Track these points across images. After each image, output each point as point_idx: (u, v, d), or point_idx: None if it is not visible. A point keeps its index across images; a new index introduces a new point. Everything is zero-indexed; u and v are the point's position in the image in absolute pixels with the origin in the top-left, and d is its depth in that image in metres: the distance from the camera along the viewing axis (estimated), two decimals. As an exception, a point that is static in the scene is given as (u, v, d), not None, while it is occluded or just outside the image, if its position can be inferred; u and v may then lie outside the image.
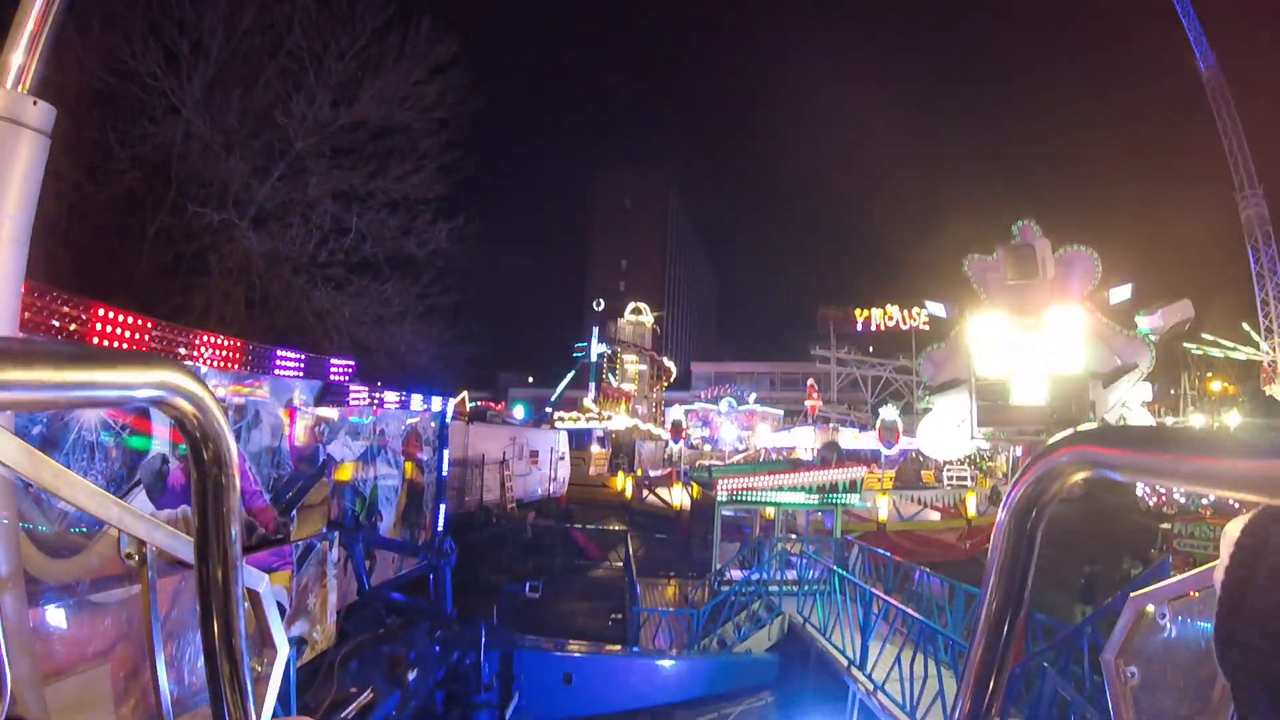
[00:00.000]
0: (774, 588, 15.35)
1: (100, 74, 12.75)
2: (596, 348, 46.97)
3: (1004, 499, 0.74)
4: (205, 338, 6.43)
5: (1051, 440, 0.67)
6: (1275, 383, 42.26)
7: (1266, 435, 0.46)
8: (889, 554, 15.48)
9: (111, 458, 5.27)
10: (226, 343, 6.73)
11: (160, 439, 5.69)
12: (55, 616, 3.87)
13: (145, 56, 13.11)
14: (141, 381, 0.61)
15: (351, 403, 9.37)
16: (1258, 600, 0.50)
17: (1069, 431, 0.66)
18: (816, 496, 18.09)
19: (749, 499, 18.17)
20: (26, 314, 4.29)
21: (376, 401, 10.16)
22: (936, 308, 18.30)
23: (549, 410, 41.30)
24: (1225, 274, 47.43)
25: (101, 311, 5.05)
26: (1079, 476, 0.66)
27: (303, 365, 8.06)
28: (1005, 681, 0.77)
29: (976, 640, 0.76)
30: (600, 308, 47.82)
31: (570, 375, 47.04)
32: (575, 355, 47.84)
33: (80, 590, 4.07)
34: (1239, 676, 0.51)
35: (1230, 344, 45.36)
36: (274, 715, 1.46)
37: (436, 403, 12.53)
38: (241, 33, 14.32)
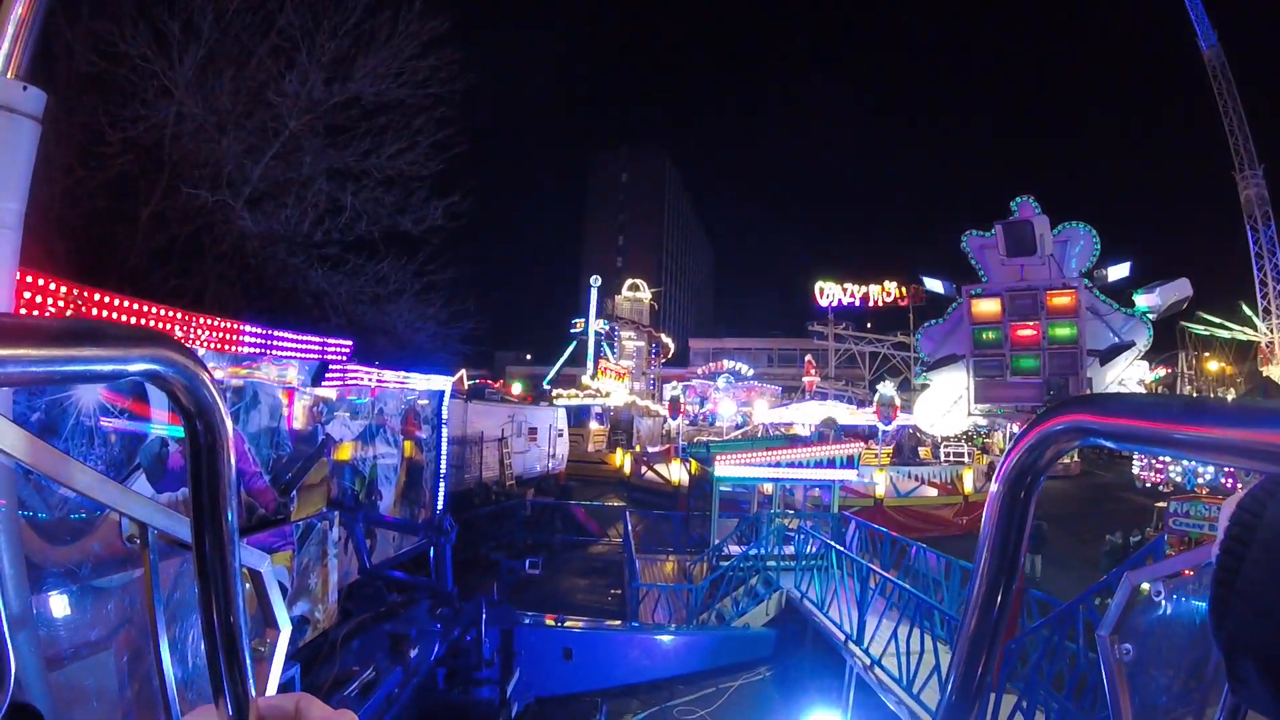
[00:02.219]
0: (771, 563, 15.46)
1: (90, 58, 12.59)
2: (594, 324, 46.93)
3: (997, 469, 0.73)
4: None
5: (1045, 409, 0.67)
6: (1273, 363, 42.35)
7: (1264, 404, 0.47)
8: (886, 530, 15.59)
9: (110, 442, 5.27)
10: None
11: (159, 422, 5.69)
12: (58, 602, 3.89)
13: (135, 38, 12.92)
14: (134, 355, 0.61)
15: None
16: (1252, 573, 0.50)
17: (1063, 399, 0.66)
18: (814, 472, 18.17)
19: (746, 475, 18.26)
20: None
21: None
22: (934, 284, 18.20)
23: (546, 387, 41.34)
24: (1224, 254, 47.48)
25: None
26: (1073, 445, 0.66)
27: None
28: (999, 653, 0.78)
29: (970, 611, 0.77)
30: (597, 285, 47.55)
31: (568, 352, 47.06)
32: (572, 332, 47.78)
33: (82, 575, 4.09)
34: (1232, 650, 0.51)
35: (1229, 324, 45.40)
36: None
37: (435, 381, 12.54)
38: (232, 12, 14.12)
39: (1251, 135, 42.80)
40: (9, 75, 1.15)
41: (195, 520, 0.83)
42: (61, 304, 4.77)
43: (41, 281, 4.65)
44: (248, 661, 0.88)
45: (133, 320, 5.35)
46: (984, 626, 0.76)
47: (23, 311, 4.32)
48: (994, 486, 0.74)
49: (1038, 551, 18.51)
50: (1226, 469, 23.43)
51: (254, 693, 0.88)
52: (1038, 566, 18.42)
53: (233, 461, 0.81)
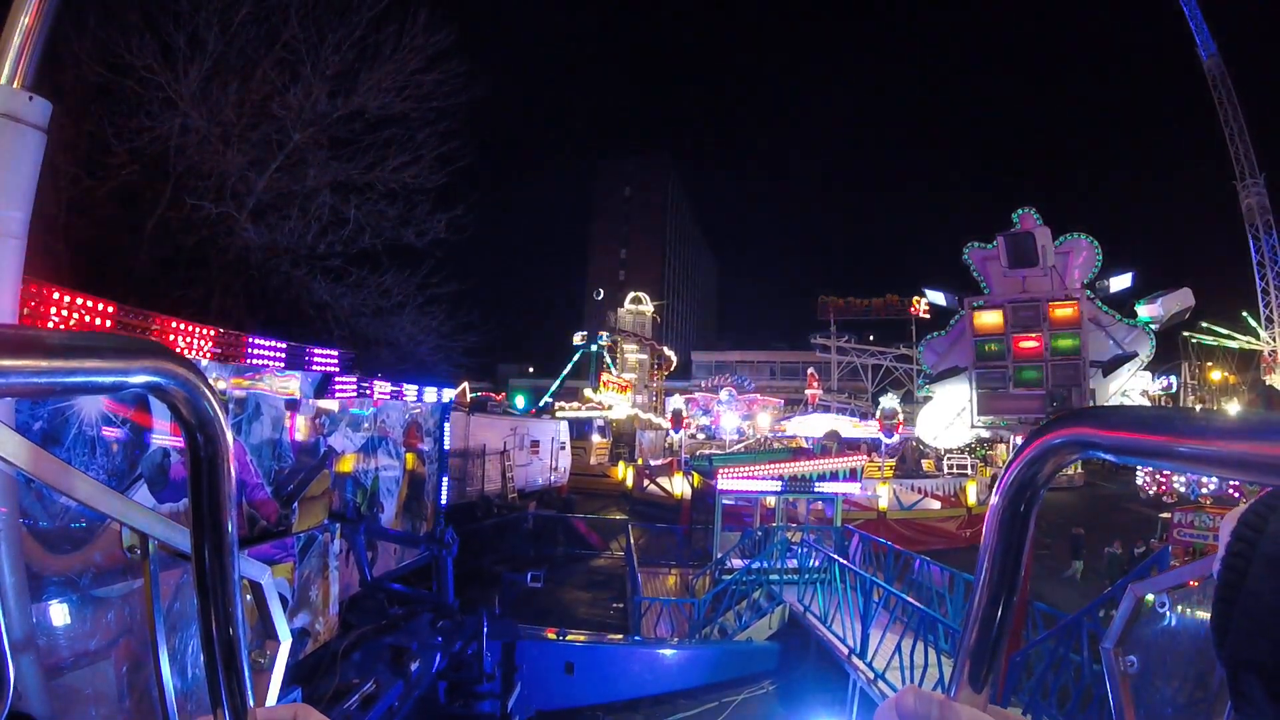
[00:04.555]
0: (774, 576, 15.39)
1: (96, 68, 12.68)
2: (596, 337, 46.98)
3: (997, 481, 0.73)
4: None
5: (1045, 422, 0.67)
6: (1276, 372, 42.25)
7: (1263, 417, 0.46)
8: (889, 542, 15.52)
9: (113, 452, 5.27)
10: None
11: (161, 432, 5.69)
12: (58, 611, 3.88)
13: (141, 50, 13.02)
14: (135, 367, 0.61)
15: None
16: (1254, 589, 0.50)
17: (1063, 412, 0.66)
18: (817, 485, 18.11)
19: (749, 487, 18.22)
20: None
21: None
22: (936, 296, 18.16)
23: (549, 401, 41.34)
24: (1226, 263, 47.48)
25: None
26: (1073, 458, 0.66)
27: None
28: (1000, 666, 0.77)
29: (971, 624, 0.76)
30: (600, 297, 47.67)
31: (570, 365, 47.06)
32: (575, 345, 47.80)
33: (83, 585, 4.08)
34: (1235, 665, 0.50)
35: (1234, 334, 45.32)
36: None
37: (437, 393, 12.53)
38: (237, 25, 14.23)
39: (1252, 144, 42.89)
40: (15, 85, 1.15)
41: (195, 532, 0.83)
42: (66, 313, 4.78)
43: (46, 291, 4.66)
44: (246, 673, 0.88)
45: (136, 330, 5.36)
46: (985, 640, 0.75)
47: (27, 318, 4.33)
48: (994, 499, 0.73)
49: (1077, 557, 20.14)
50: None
51: (252, 704, 0.88)
52: (1079, 570, 19.94)
53: (233, 474, 0.82)
